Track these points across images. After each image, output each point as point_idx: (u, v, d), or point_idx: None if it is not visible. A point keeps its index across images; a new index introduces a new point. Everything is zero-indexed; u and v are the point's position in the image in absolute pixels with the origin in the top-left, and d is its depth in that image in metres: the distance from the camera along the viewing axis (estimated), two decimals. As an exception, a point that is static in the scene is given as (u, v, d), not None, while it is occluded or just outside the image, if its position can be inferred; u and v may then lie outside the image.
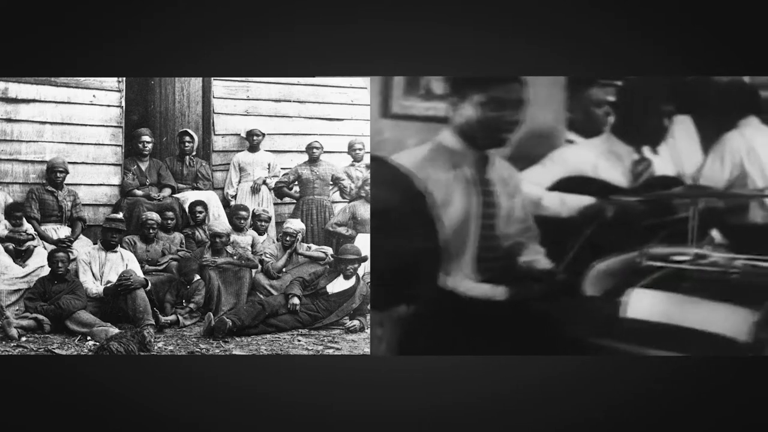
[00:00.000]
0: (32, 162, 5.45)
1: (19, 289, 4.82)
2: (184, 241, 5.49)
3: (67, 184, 5.42)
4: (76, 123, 5.64)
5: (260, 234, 5.57)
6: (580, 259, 3.92)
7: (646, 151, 4.15)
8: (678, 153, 4.26)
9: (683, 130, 4.31)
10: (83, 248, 5.16)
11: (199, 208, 5.63)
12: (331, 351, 4.54)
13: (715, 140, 4.30)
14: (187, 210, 5.69)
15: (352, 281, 5.08)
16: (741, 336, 3.38)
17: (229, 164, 6.20)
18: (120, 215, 5.27)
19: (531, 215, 3.92)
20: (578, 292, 3.80)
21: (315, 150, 6.05)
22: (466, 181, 3.68)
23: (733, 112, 4.28)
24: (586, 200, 4.03)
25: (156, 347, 4.46)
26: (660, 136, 4.15)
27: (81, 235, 5.35)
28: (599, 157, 4.12)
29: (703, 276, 3.70)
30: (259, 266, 5.34)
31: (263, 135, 6.16)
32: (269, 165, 6.15)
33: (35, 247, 5.04)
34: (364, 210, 5.56)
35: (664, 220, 4.00)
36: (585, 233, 3.99)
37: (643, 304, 3.69)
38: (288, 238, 5.44)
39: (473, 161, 3.63)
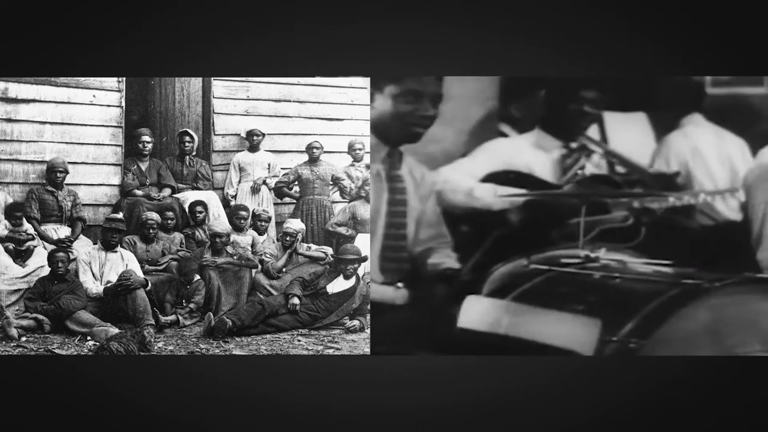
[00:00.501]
0: (32, 162, 5.45)
1: (19, 289, 4.81)
2: (184, 241, 5.49)
3: (67, 184, 5.41)
4: (76, 123, 5.63)
5: (260, 234, 5.57)
6: (490, 260, 3.83)
7: (581, 141, 4.06)
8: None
9: (637, 128, 4.24)
10: (83, 248, 5.16)
11: (199, 208, 5.63)
12: (331, 351, 4.54)
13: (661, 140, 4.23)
14: (187, 210, 5.69)
15: (352, 281, 5.08)
16: (582, 348, 3.22)
17: (229, 164, 6.20)
18: (120, 215, 5.27)
19: (443, 221, 3.83)
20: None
21: (315, 150, 6.05)
22: (374, 177, 3.59)
23: (680, 109, 4.20)
24: (518, 193, 3.95)
25: (156, 347, 4.46)
26: (582, 123, 4.05)
27: (81, 235, 5.35)
28: (528, 152, 4.05)
29: (582, 280, 3.55)
30: (259, 266, 5.34)
31: (263, 135, 6.16)
32: (269, 165, 6.15)
33: (35, 247, 5.04)
34: (364, 210, 5.56)
35: (595, 219, 3.90)
36: (492, 235, 3.90)
37: (473, 313, 3.56)
38: (288, 238, 5.44)
39: (384, 156, 3.53)
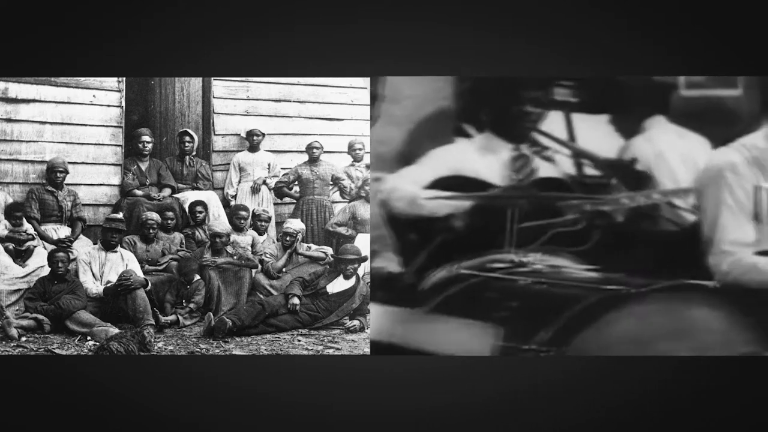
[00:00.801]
0: (32, 162, 5.45)
1: (19, 289, 4.82)
2: (184, 241, 5.49)
3: (67, 184, 5.42)
4: (76, 123, 5.64)
5: (260, 234, 5.58)
6: (435, 265, 3.77)
7: (539, 139, 3.94)
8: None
9: (599, 131, 4.14)
10: (83, 248, 5.16)
11: (199, 208, 5.63)
12: (331, 351, 4.54)
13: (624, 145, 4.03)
14: (187, 210, 5.69)
15: (352, 281, 5.08)
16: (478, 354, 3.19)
17: (229, 164, 6.20)
18: (120, 215, 5.27)
19: (386, 223, 3.83)
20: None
21: (315, 150, 6.06)
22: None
23: (647, 111, 4.03)
24: (462, 200, 3.85)
25: (156, 347, 4.46)
26: (528, 123, 3.94)
27: (81, 235, 5.35)
28: (475, 156, 3.98)
29: (508, 286, 3.47)
30: (259, 266, 5.35)
31: (263, 135, 6.16)
32: (269, 165, 6.15)
33: (35, 247, 5.04)
34: (364, 210, 5.57)
35: (544, 223, 3.78)
36: (437, 240, 3.86)
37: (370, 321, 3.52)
38: (288, 238, 5.44)
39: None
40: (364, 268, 5.14)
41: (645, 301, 3.22)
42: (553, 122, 4.02)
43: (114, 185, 5.82)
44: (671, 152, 3.96)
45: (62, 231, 5.30)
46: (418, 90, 3.92)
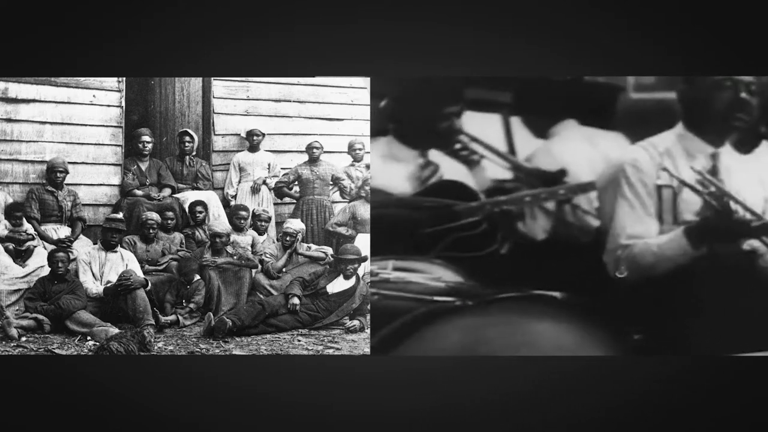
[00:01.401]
0: (32, 162, 5.45)
1: (19, 289, 4.81)
2: (184, 241, 5.49)
3: (67, 184, 5.42)
4: (76, 123, 5.64)
5: (260, 234, 5.57)
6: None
7: (434, 154, 3.87)
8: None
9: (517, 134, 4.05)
10: (83, 248, 5.16)
11: (199, 208, 5.63)
12: (331, 351, 4.54)
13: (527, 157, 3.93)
14: (187, 210, 5.69)
15: (352, 281, 5.08)
16: None
17: (229, 164, 6.20)
18: (120, 215, 5.27)
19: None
20: None
21: (315, 150, 6.05)
22: None
23: (560, 113, 3.92)
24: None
25: (156, 347, 4.46)
26: (447, 137, 3.87)
27: (81, 235, 5.35)
28: (378, 163, 3.91)
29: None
30: (259, 266, 5.35)
31: (263, 135, 6.16)
32: (269, 165, 6.15)
33: (35, 247, 5.04)
34: (364, 210, 5.57)
35: (448, 227, 3.72)
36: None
37: None
38: (288, 238, 5.44)
39: None
40: (364, 268, 5.14)
41: (477, 314, 3.18)
42: (490, 126, 3.94)
43: (114, 185, 5.82)
44: (579, 159, 3.87)
45: (62, 231, 5.29)
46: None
